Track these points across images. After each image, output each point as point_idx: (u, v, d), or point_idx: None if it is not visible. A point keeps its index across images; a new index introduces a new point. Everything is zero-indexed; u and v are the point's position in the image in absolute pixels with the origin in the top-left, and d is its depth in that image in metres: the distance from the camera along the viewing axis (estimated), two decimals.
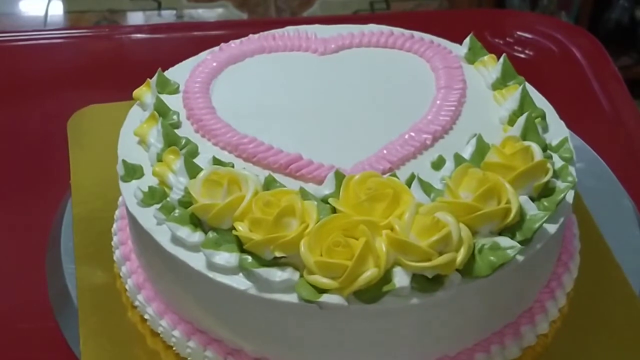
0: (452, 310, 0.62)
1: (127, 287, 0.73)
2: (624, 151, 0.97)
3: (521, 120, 0.69)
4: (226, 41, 0.83)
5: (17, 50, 1.14)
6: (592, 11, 1.87)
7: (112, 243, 0.77)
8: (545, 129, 0.72)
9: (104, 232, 0.78)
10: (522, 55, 1.11)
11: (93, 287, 0.74)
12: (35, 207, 0.88)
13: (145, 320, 0.71)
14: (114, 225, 0.77)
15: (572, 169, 0.68)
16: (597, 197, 0.83)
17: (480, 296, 0.63)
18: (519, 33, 1.14)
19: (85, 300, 0.73)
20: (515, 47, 1.11)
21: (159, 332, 0.69)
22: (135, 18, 2.26)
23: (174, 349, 0.69)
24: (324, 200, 0.63)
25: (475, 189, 0.62)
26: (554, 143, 0.71)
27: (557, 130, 0.73)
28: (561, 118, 0.75)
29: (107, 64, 1.09)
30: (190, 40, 0.94)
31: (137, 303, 0.71)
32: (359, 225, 0.59)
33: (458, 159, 0.67)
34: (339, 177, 0.64)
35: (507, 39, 1.12)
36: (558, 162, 0.69)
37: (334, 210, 0.62)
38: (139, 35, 1.18)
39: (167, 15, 2.26)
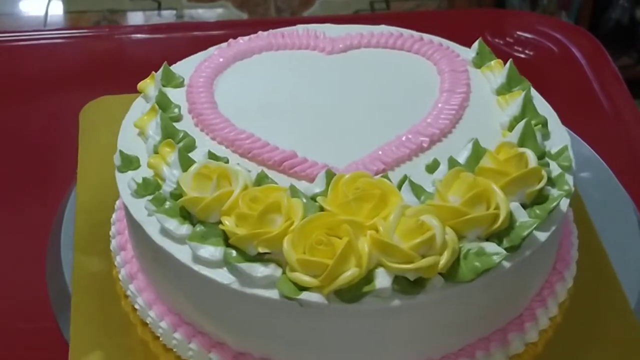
0: (435, 314, 0.62)
1: (120, 276, 0.73)
2: (624, 151, 0.97)
3: (519, 126, 0.68)
4: (226, 41, 0.83)
5: (17, 50, 1.15)
6: (592, 11, 1.86)
7: (110, 232, 0.77)
8: (547, 136, 0.71)
9: (105, 221, 0.78)
10: (522, 55, 1.10)
11: (89, 275, 0.75)
12: (36, 208, 0.89)
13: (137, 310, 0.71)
14: (113, 215, 0.78)
15: (569, 178, 0.67)
16: (602, 207, 0.81)
17: (464, 301, 0.62)
18: (519, 33, 1.13)
19: (80, 287, 0.74)
20: (515, 47, 1.11)
21: (148, 322, 0.70)
22: (135, 18, 2.26)
23: (160, 339, 0.69)
24: (314, 198, 0.63)
25: (464, 193, 0.61)
26: (554, 151, 0.70)
27: (558, 137, 0.72)
28: (560, 117, 0.74)
29: (107, 64, 1.09)
30: (190, 40, 0.94)
31: (128, 293, 0.72)
32: (343, 224, 0.59)
33: (452, 163, 0.66)
34: (330, 175, 0.64)
35: (507, 39, 1.12)
36: (556, 170, 0.68)
37: (322, 208, 0.62)
38: (139, 35, 1.18)
39: (167, 15, 2.26)
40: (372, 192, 0.61)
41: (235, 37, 0.83)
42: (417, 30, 0.85)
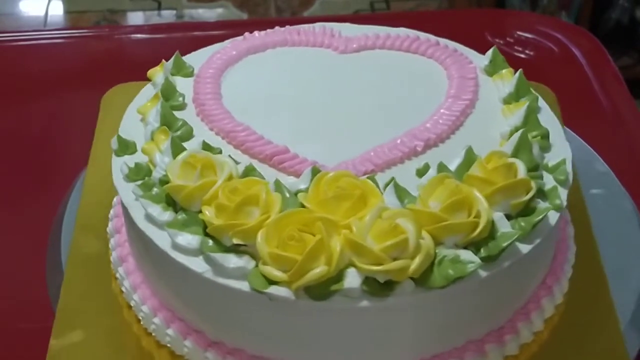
0: (405, 318, 0.61)
1: (111, 258, 0.74)
2: (624, 151, 0.97)
3: (515, 136, 0.67)
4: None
5: (17, 50, 1.15)
6: (592, 11, 1.86)
7: (109, 215, 0.78)
8: (547, 148, 0.70)
9: (107, 204, 0.79)
10: (522, 55, 1.10)
11: (84, 254, 0.76)
12: (36, 208, 0.89)
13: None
14: (115, 198, 0.79)
15: (562, 192, 0.66)
16: (608, 220, 0.79)
17: (436, 308, 0.61)
18: (519, 33, 1.13)
19: (74, 265, 0.75)
20: (515, 47, 1.11)
21: (132, 305, 0.71)
22: (135, 18, 2.27)
23: (141, 323, 0.70)
24: (297, 194, 0.63)
25: (445, 199, 0.60)
26: (552, 164, 0.68)
27: (560, 151, 0.70)
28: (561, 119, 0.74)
29: (107, 64, 1.09)
30: (190, 40, 0.94)
31: (117, 275, 0.73)
32: (317, 221, 0.58)
33: (441, 169, 0.65)
34: (315, 172, 0.64)
35: (507, 39, 1.12)
36: (550, 184, 0.66)
37: (303, 205, 0.62)
38: (139, 35, 1.18)
39: (167, 15, 2.27)
40: (352, 191, 0.61)
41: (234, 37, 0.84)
42: (416, 30, 0.85)
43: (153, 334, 0.69)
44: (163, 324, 0.67)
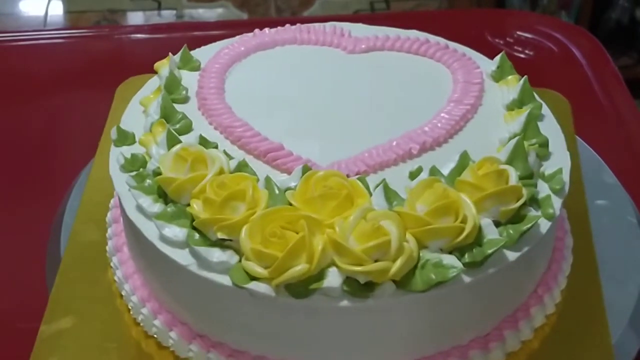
0: (387, 320, 0.60)
1: (107, 247, 0.75)
2: (623, 151, 0.97)
3: (511, 143, 0.66)
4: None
5: (17, 50, 1.15)
6: (592, 11, 1.85)
7: (110, 205, 0.78)
8: (545, 157, 0.69)
9: (110, 194, 0.79)
10: (522, 55, 1.10)
11: (83, 243, 0.76)
12: (36, 208, 0.89)
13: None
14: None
15: (556, 201, 0.64)
16: (611, 230, 0.78)
17: (419, 311, 0.60)
18: (519, 33, 1.13)
19: (72, 253, 0.75)
20: (515, 47, 1.10)
21: (123, 294, 0.71)
22: (135, 18, 2.27)
23: (131, 312, 0.70)
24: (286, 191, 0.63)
25: (431, 203, 0.60)
26: (548, 172, 0.67)
27: (559, 160, 0.69)
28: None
29: (107, 64, 1.09)
30: (190, 40, 0.94)
31: (112, 264, 0.73)
32: (300, 219, 0.58)
33: (433, 172, 0.65)
34: (306, 171, 0.64)
35: (507, 39, 1.11)
36: (545, 192, 0.65)
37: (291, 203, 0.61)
38: (139, 35, 1.18)
39: (167, 15, 2.27)
40: (338, 191, 0.60)
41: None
42: (417, 29, 0.85)
43: (141, 324, 0.69)
44: (151, 315, 0.68)
